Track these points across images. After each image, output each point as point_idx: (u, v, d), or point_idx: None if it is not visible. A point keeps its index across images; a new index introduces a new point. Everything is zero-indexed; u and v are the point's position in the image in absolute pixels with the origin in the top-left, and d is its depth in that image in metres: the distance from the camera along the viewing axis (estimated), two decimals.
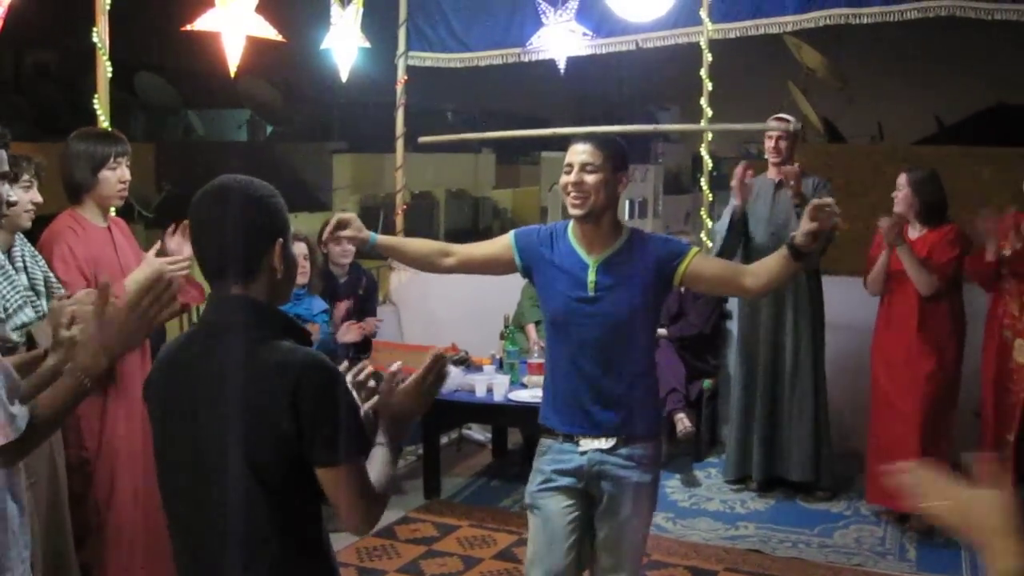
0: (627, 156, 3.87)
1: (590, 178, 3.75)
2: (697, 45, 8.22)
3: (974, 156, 16.77)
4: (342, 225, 3.93)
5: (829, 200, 3.69)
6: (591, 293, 3.80)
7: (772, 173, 6.78)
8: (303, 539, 2.52)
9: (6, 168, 2.83)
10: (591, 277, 3.81)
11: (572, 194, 3.77)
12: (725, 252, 6.67)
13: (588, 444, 3.83)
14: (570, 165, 3.79)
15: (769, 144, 6.76)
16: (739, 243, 6.73)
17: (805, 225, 3.67)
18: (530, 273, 3.99)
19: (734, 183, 6.57)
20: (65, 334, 2.96)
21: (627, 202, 45.35)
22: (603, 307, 3.80)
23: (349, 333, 6.85)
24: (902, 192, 6.14)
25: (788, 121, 6.78)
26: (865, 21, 7.53)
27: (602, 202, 3.77)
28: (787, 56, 20.48)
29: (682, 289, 5.35)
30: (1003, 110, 28.35)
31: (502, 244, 4.04)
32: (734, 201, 6.62)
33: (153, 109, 30.17)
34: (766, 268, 3.90)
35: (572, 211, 3.79)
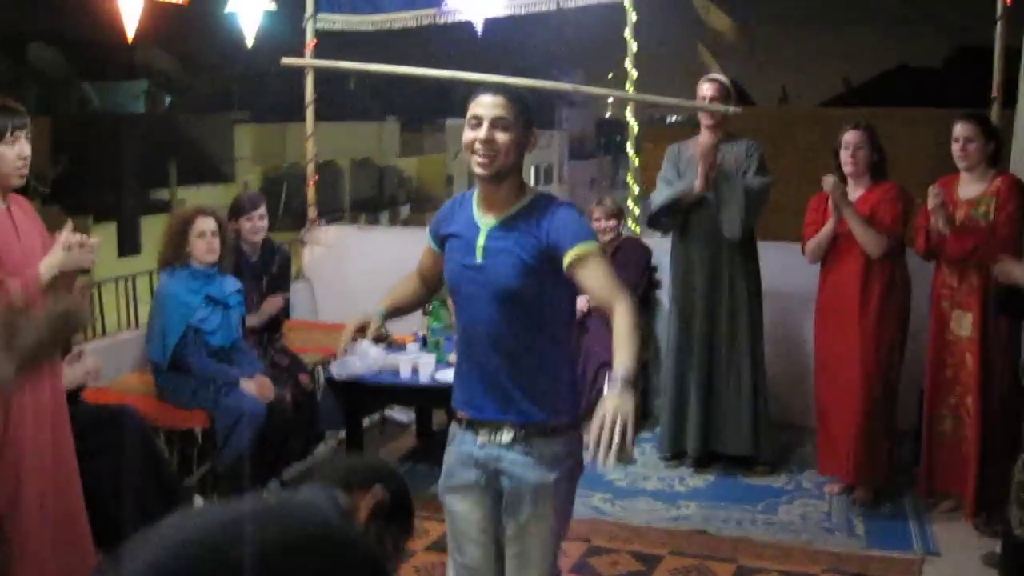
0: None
1: (502, 136, 3.31)
2: (613, 7, 7.91)
3: (882, 117, 16.78)
4: (363, 329, 3.69)
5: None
6: (478, 260, 3.41)
7: (705, 136, 6.49)
8: None
9: None
10: (480, 242, 3.42)
11: (480, 152, 3.32)
12: (662, 225, 6.47)
13: (484, 437, 3.50)
14: (477, 119, 3.33)
15: None
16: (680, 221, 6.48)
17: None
18: None
19: (703, 168, 6.25)
20: None
21: (532, 168, 45.32)
22: (490, 276, 3.41)
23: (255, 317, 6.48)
24: (852, 152, 5.88)
25: (720, 82, 6.48)
26: None
27: (511, 162, 3.36)
28: (695, 19, 20.34)
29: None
30: (905, 72, 28.74)
31: (427, 244, 3.74)
32: (694, 183, 6.31)
33: (46, 81, 29.40)
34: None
35: (477, 171, 3.36)
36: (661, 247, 7.31)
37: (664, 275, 7.35)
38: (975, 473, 5.57)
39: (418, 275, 3.85)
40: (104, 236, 23.41)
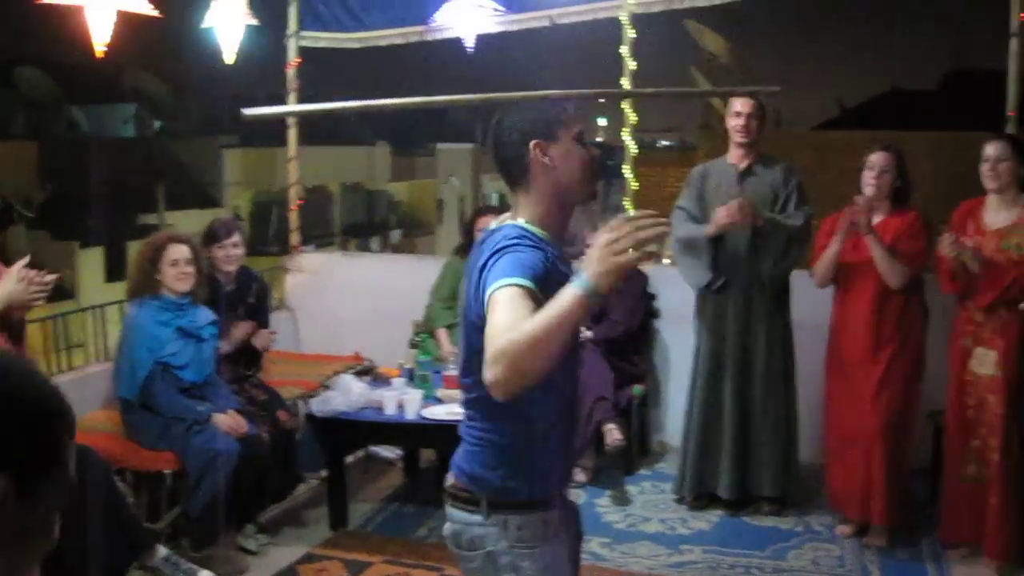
0: None
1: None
2: (608, 24, 7.57)
3: (878, 141, 16.58)
4: None
5: None
6: None
7: (735, 157, 6.10)
8: None
9: None
10: None
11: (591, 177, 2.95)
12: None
13: (564, 495, 3.08)
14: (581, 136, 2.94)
15: (736, 123, 6.02)
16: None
17: None
18: None
19: (724, 217, 5.84)
20: None
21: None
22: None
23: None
24: (877, 174, 5.56)
25: (755, 99, 6.06)
26: None
27: None
28: (689, 41, 20.15)
29: None
30: (898, 95, 28.57)
31: (529, 299, 2.65)
32: (706, 230, 5.96)
33: (34, 105, 29.08)
34: None
35: (591, 196, 3.00)
36: (660, 273, 7.01)
37: (663, 303, 7.06)
38: (998, 519, 5.22)
39: None
40: (91, 262, 23.22)
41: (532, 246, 2.78)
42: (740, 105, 6.02)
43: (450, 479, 2.97)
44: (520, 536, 2.87)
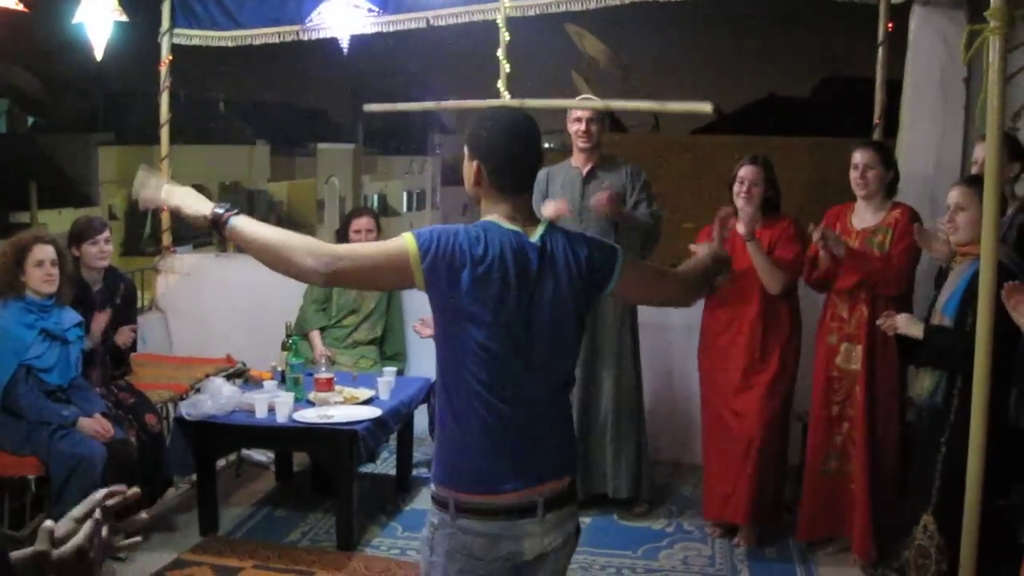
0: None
1: None
2: (484, 27, 7.56)
3: (753, 146, 16.77)
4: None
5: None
6: None
7: (579, 160, 6.14)
8: None
9: None
10: None
11: None
12: None
13: None
14: None
15: (578, 128, 6.06)
16: None
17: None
18: None
19: (604, 208, 5.85)
20: None
21: (404, 193, 45.04)
22: None
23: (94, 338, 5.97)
24: (747, 187, 5.62)
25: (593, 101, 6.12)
26: None
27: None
28: (570, 45, 20.25)
29: None
30: (774, 101, 29.02)
31: None
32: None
33: None
34: None
35: None
36: None
37: None
38: (864, 511, 5.33)
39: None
40: None
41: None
42: (580, 111, 6.09)
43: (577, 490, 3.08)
44: None
